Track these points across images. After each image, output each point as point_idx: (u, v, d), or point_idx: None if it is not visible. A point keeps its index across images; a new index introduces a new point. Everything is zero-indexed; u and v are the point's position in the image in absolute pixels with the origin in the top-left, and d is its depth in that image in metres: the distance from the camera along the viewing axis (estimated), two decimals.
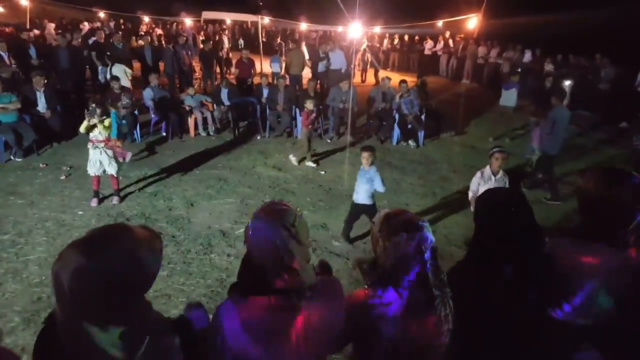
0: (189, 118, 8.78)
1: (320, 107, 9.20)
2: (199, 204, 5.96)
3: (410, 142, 8.89)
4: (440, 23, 17.79)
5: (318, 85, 10.79)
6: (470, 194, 4.52)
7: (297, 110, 8.94)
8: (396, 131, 8.92)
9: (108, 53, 10.30)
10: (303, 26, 17.11)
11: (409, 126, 8.84)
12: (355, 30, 10.83)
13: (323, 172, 7.21)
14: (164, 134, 8.67)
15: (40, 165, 6.99)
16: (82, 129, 5.44)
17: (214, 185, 6.54)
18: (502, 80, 13.38)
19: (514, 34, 16.20)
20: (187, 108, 8.87)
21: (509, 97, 12.11)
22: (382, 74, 16.51)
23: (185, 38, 12.39)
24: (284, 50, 16.03)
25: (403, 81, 9.02)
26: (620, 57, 11.95)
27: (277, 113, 8.94)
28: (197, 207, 5.88)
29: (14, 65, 9.56)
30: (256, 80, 10.77)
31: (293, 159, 7.54)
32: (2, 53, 9.54)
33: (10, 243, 4.78)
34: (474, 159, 8.10)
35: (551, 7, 15.14)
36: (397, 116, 8.87)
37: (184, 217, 5.57)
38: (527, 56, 15.20)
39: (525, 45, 15.50)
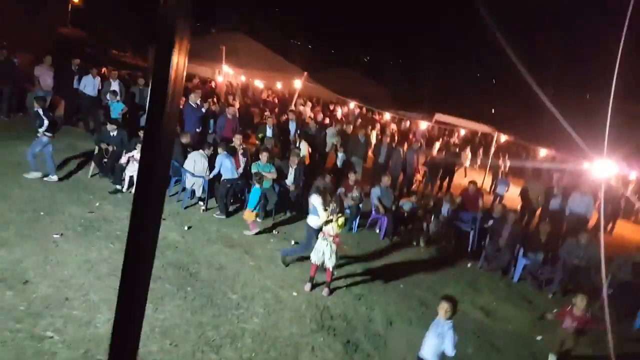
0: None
1: (550, 252, 8.25)
2: (398, 325, 5.79)
3: None
4: None
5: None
6: None
7: (521, 250, 8.19)
8: None
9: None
10: (542, 152, 16.12)
11: None
12: (605, 169, 9.56)
13: (539, 338, 6.25)
14: (378, 231, 8.99)
15: (274, 231, 7.98)
16: (320, 221, 5.98)
17: (415, 309, 6.32)
18: None
19: None
20: (405, 214, 9.06)
21: None
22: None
23: (419, 144, 12.97)
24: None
25: None
26: None
27: (498, 245, 8.34)
28: (396, 328, 5.72)
29: None
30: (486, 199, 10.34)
31: None
32: (268, 129, 11.40)
33: (236, 304, 5.42)
34: None
35: None
36: None
37: (382, 335, 5.46)
38: None
39: None
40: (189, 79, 20.97)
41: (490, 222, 8.69)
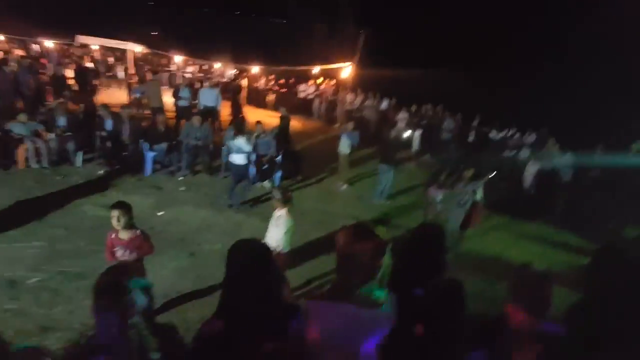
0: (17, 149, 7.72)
1: (174, 142, 8.79)
2: None
3: (265, 182, 8.88)
4: (316, 69, 18.60)
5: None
6: None
7: (146, 145, 8.44)
8: (252, 171, 8.85)
9: None
10: (177, 58, 16.56)
11: (265, 167, 8.85)
12: (229, 67, 10.64)
13: (161, 213, 6.74)
14: None
15: None
16: None
17: (22, 225, 5.70)
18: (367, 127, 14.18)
19: (377, 84, 17.37)
20: (16, 137, 7.81)
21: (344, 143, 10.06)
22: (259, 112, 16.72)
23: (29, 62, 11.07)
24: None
25: (258, 122, 9.04)
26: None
27: (123, 143, 8.36)
28: None
29: None
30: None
31: None
32: None
33: None
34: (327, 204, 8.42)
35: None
36: (253, 156, 8.81)
37: None
38: (385, 104, 16.40)
39: (383, 95, 16.72)
40: None
41: (109, 122, 8.54)
